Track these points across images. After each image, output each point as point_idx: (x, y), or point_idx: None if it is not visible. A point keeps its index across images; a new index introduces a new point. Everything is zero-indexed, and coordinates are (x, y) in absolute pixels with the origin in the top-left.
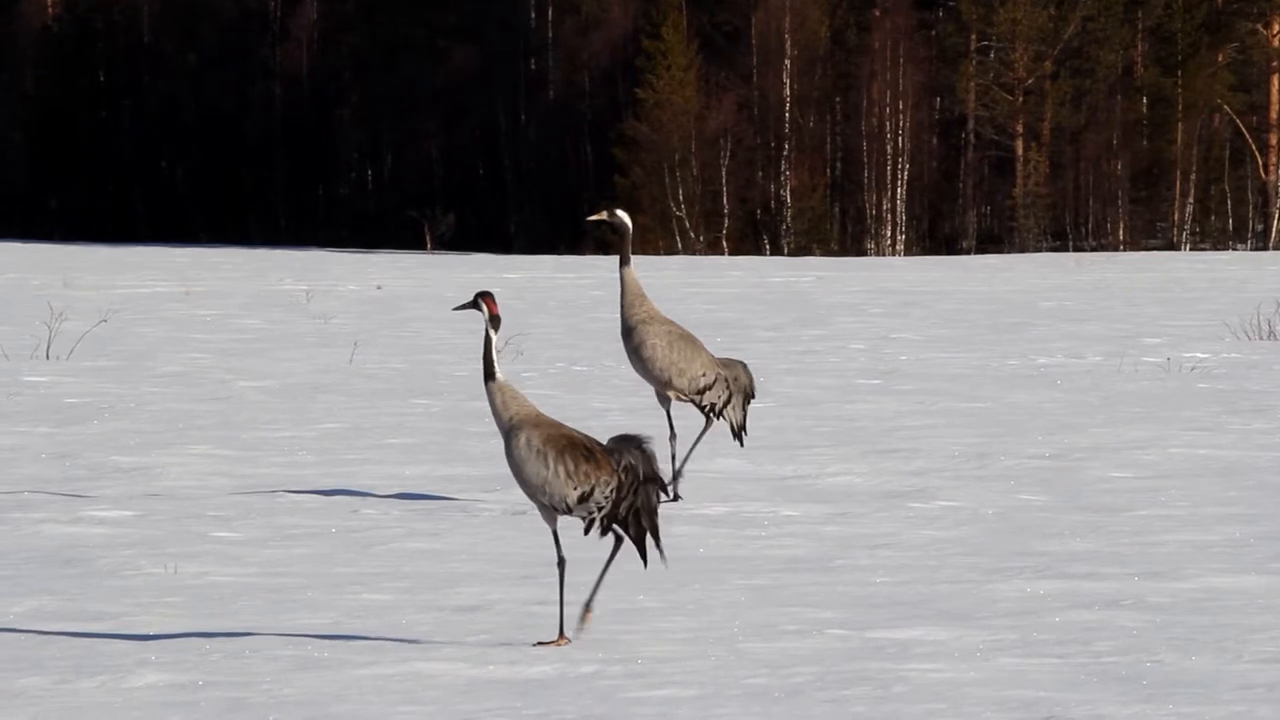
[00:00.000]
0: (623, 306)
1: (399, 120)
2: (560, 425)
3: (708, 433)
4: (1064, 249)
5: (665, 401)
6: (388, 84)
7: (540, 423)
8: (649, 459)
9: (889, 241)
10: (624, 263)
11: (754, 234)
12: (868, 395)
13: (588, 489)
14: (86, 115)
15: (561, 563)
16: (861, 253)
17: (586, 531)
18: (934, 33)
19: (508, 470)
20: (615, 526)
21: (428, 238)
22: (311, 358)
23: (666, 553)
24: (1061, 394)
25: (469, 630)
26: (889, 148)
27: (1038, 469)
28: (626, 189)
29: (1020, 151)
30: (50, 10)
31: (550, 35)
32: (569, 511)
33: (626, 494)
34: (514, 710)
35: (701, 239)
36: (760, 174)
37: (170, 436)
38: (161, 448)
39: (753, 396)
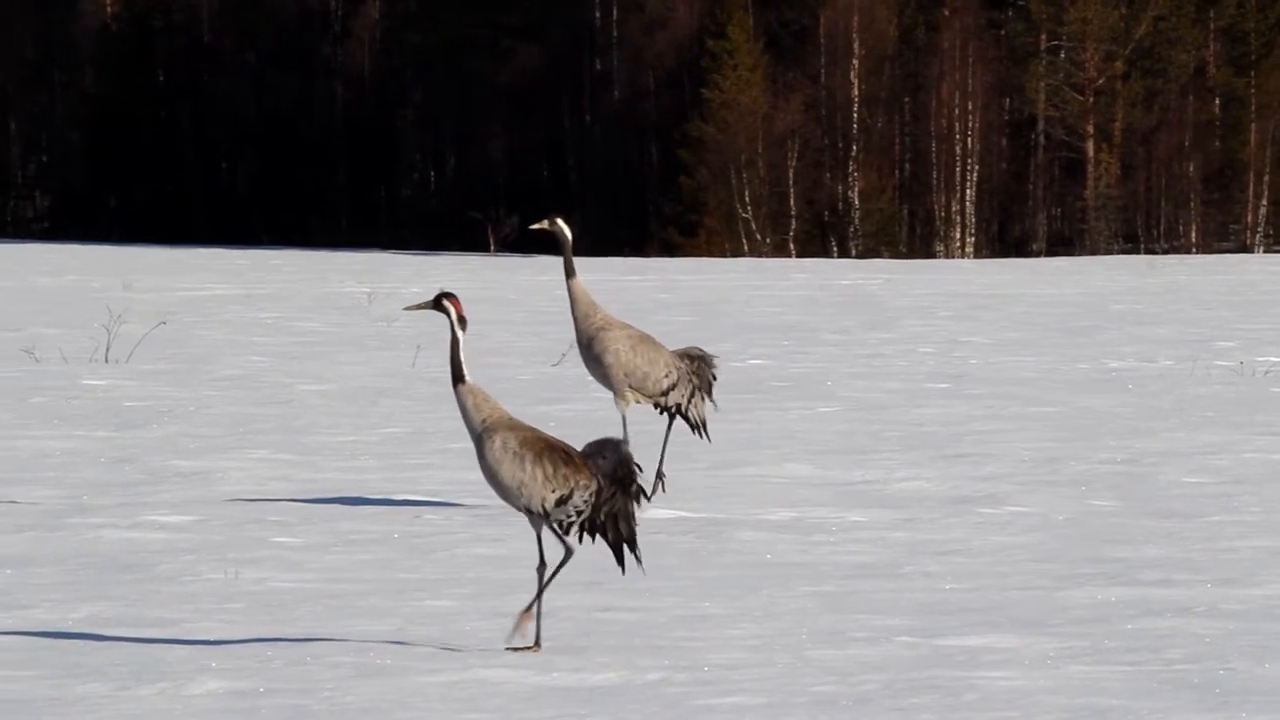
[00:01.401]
0: (576, 319)
1: (462, 120)
2: (535, 429)
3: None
4: (1135, 251)
5: (623, 407)
6: (450, 84)
7: (515, 425)
8: (627, 463)
9: (958, 244)
10: (569, 274)
11: (821, 236)
12: (937, 399)
13: (566, 492)
14: (145, 115)
15: (542, 567)
16: (930, 255)
17: (565, 534)
18: (1003, 32)
19: None
20: (584, 534)
21: (491, 239)
22: (373, 361)
23: (640, 559)
24: (1133, 398)
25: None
26: (958, 149)
27: (1109, 474)
28: (692, 190)
29: (1091, 153)
30: (109, 9)
31: (615, 34)
32: (545, 516)
33: (605, 498)
34: (578, 718)
35: (768, 241)
36: (828, 175)
37: (230, 441)
38: (221, 452)
39: (714, 382)
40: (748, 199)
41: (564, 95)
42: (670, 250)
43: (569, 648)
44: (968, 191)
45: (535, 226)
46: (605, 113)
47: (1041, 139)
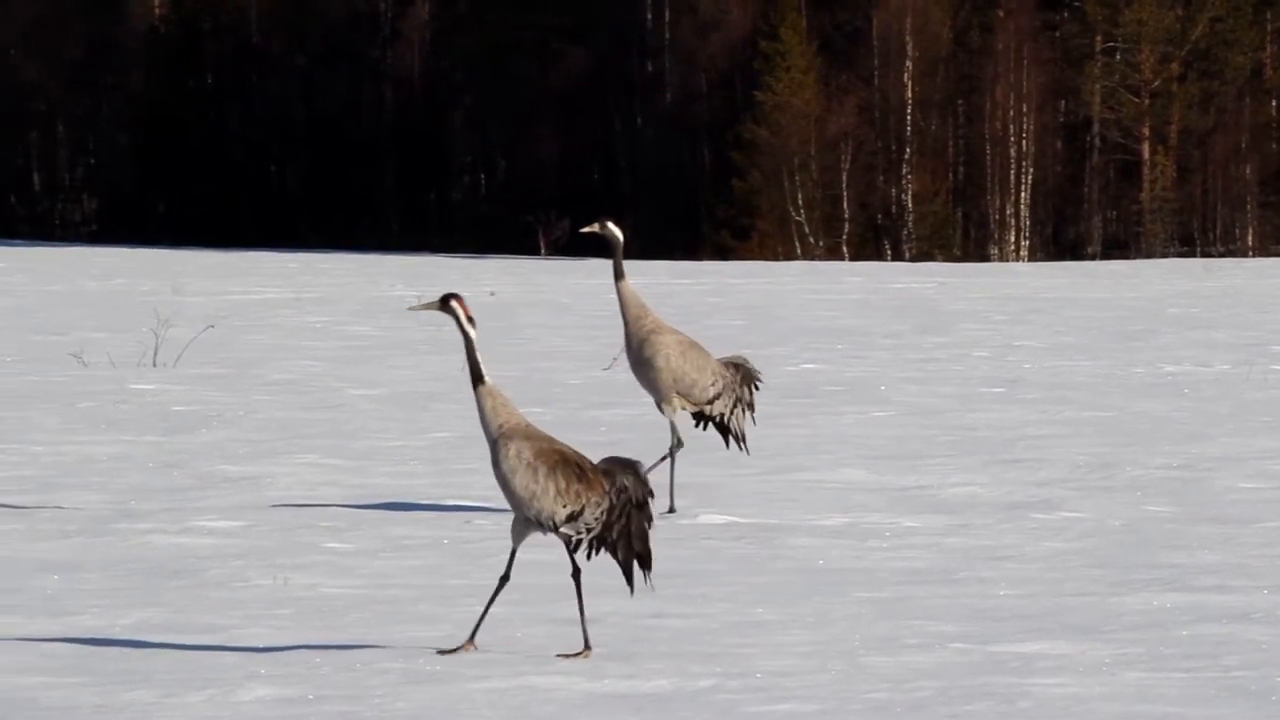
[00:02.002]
0: (626, 322)
1: (512, 123)
2: (551, 439)
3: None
4: (1191, 254)
5: (670, 413)
6: (500, 86)
7: (531, 435)
8: (643, 483)
9: (1012, 247)
10: (619, 276)
11: (875, 239)
12: (991, 404)
13: (578, 509)
14: (194, 118)
15: (504, 580)
16: (984, 258)
17: (574, 552)
18: (1058, 34)
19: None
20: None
21: (542, 243)
22: (423, 365)
23: (647, 579)
24: (1189, 402)
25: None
26: (1013, 151)
27: (1164, 479)
28: (744, 193)
29: (1146, 155)
30: (157, 11)
31: (667, 36)
32: (554, 529)
33: (617, 517)
34: None
35: (821, 244)
36: (881, 178)
37: (279, 445)
38: (270, 457)
39: (757, 389)
40: (801, 202)
41: (615, 98)
42: (723, 254)
43: (619, 654)
44: (1022, 194)
45: (586, 230)
46: (657, 115)
47: (1097, 141)
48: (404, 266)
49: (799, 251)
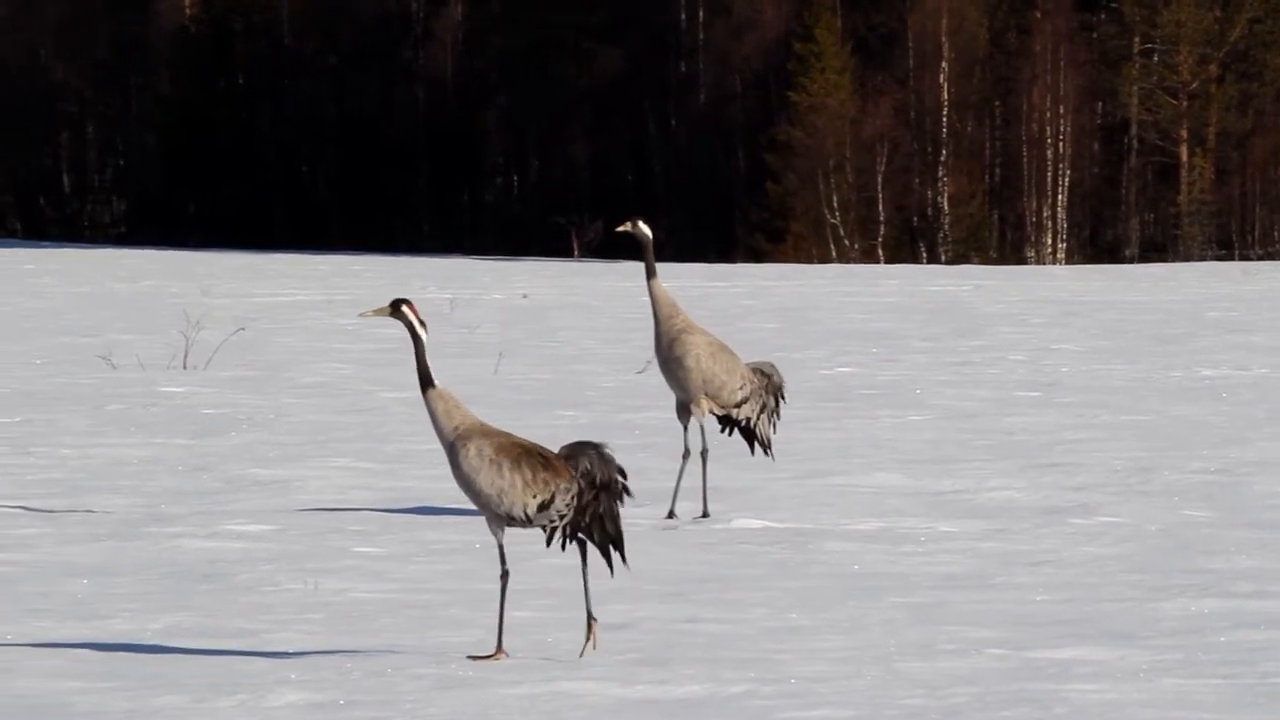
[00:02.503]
0: (658, 320)
1: (545, 124)
2: (509, 434)
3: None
4: (1230, 257)
5: (685, 418)
6: (533, 86)
7: (488, 432)
8: (608, 463)
9: (1049, 249)
10: (650, 275)
11: (910, 242)
12: (1027, 408)
13: (547, 497)
14: (224, 118)
15: (505, 575)
16: (1021, 261)
17: (549, 543)
18: (1096, 35)
19: (656, 485)
20: (579, 536)
21: (575, 245)
22: (455, 368)
23: (614, 571)
24: (1227, 407)
25: (617, 648)
26: (1049, 153)
27: (1202, 484)
28: (779, 195)
29: (1185, 157)
30: (187, 11)
31: (701, 37)
32: (528, 522)
33: (588, 501)
34: None
35: (856, 247)
36: (917, 180)
37: (310, 449)
38: (301, 460)
39: (783, 400)
40: (835, 204)
41: (649, 99)
42: (757, 256)
43: (653, 659)
44: (1059, 196)
45: (619, 229)
46: (691, 116)
47: (1134, 143)
48: (436, 268)
49: (834, 254)
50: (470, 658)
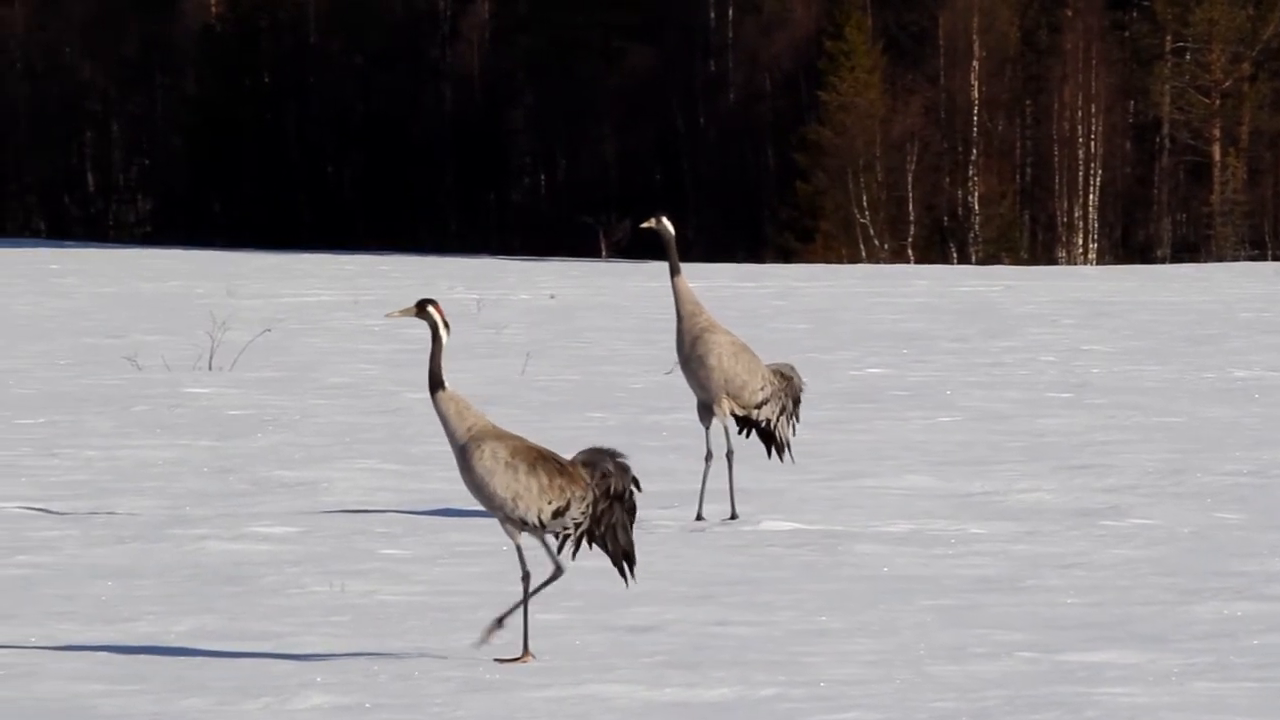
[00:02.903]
0: (681, 317)
1: (573, 123)
2: (523, 438)
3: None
4: (1263, 258)
5: (707, 418)
6: (561, 85)
7: (502, 435)
8: (624, 472)
9: (1081, 250)
10: (674, 272)
11: (941, 242)
12: (1058, 409)
13: (563, 504)
14: (250, 118)
15: (526, 577)
16: (1052, 261)
17: (560, 549)
18: (1127, 34)
19: (684, 486)
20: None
21: (603, 245)
22: (482, 369)
23: (637, 574)
24: (1260, 408)
25: (645, 651)
26: (1081, 153)
27: (1235, 486)
28: (808, 195)
29: (1217, 157)
30: (213, 9)
31: (730, 35)
32: (541, 528)
33: (603, 510)
34: None
35: (886, 247)
36: (947, 180)
37: (336, 450)
38: (327, 462)
39: (799, 402)
40: (865, 204)
41: (677, 97)
42: (786, 256)
43: (682, 662)
44: (1090, 196)
45: (644, 225)
46: (720, 115)
47: (1166, 143)
48: (463, 268)
49: (863, 254)
50: (497, 660)
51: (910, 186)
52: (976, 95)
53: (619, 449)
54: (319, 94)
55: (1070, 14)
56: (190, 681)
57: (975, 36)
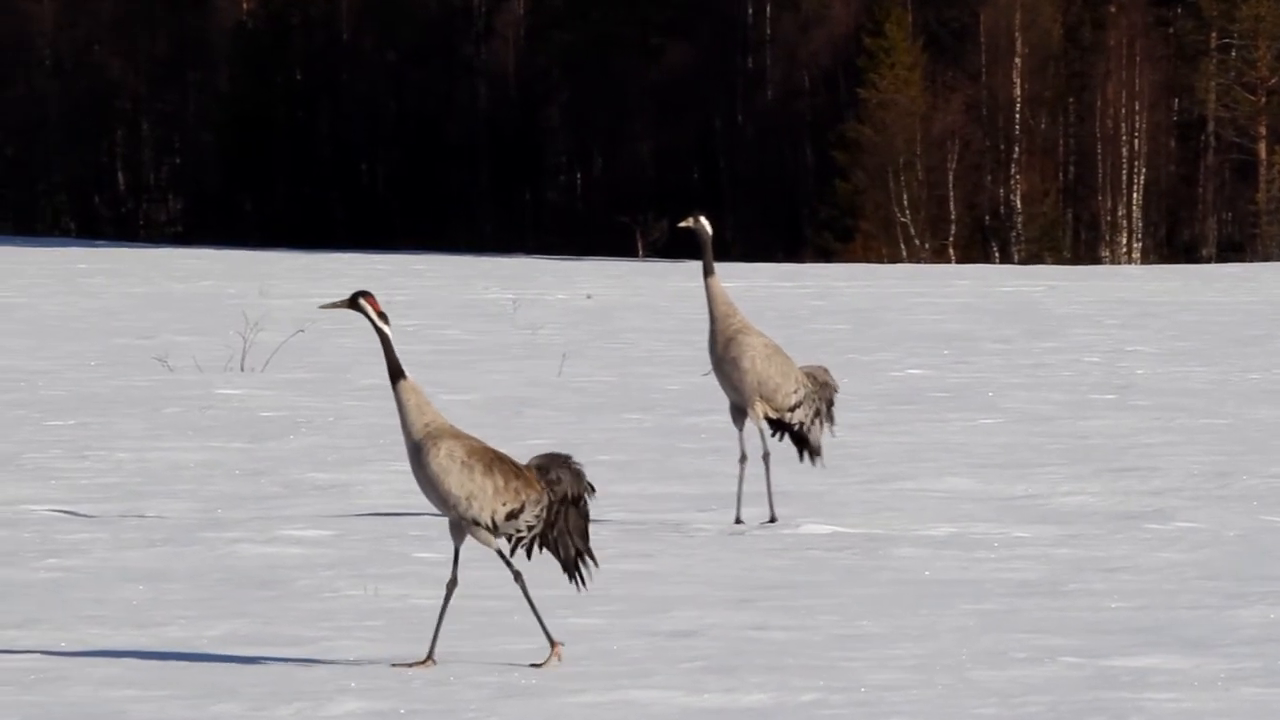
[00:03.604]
0: (715, 318)
1: (610, 121)
2: (479, 439)
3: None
4: None
5: (740, 420)
6: (598, 83)
7: (459, 435)
8: (579, 478)
9: (1125, 249)
10: (708, 272)
11: (982, 241)
12: (1102, 411)
13: (517, 506)
14: (282, 116)
15: (452, 583)
16: (1096, 261)
17: (513, 552)
18: (1172, 30)
19: (722, 489)
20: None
21: (639, 244)
22: (518, 370)
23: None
24: None
25: (683, 656)
26: (1125, 150)
27: None
28: (848, 193)
29: (1263, 154)
30: (244, 6)
31: (768, 32)
32: (494, 530)
33: (557, 515)
34: None
35: (927, 246)
36: (989, 178)
37: (370, 453)
38: (360, 464)
39: (832, 404)
40: (906, 203)
41: (715, 95)
42: (825, 256)
43: (720, 668)
44: (1134, 195)
45: (682, 224)
46: (758, 113)
47: (1211, 140)
48: (498, 268)
49: (904, 254)
50: (533, 665)
51: (951, 185)
52: (1019, 92)
53: (574, 455)
54: (351, 91)
55: (1114, 10)
56: (222, 687)
57: (1017, 33)
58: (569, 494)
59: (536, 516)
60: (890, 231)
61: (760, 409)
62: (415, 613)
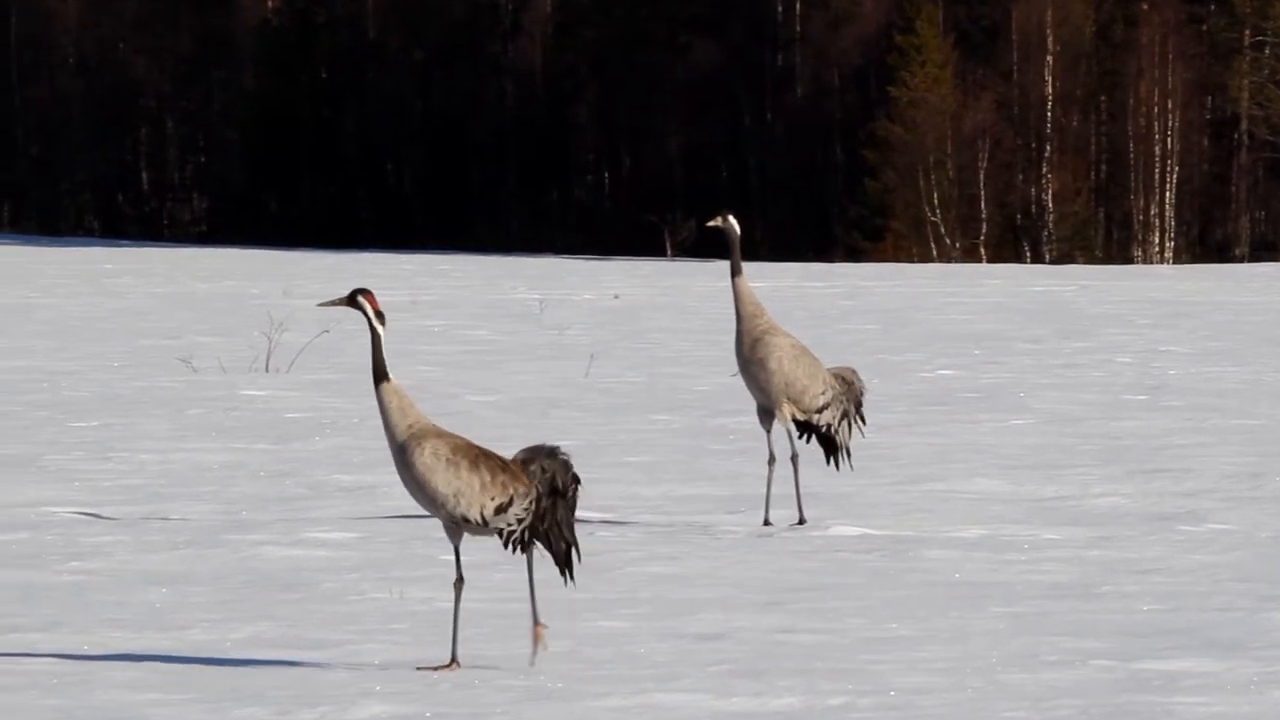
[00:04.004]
0: (741, 319)
1: (637, 119)
2: (462, 436)
3: (791, 473)
4: None
5: (767, 422)
6: (625, 81)
7: (442, 433)
8: (566, 468)
9: (1157, 248)
10: (736, 273)
11: (1013, 240)
12: (1135, 411)
13: (505, 500)
14: (307, 114)
15: (459, 582)
16: (1128, 260)
17: (506, 546)
18: (1205, 27)
19: (751, 491)
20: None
21: (667, 244)
22: (545, 370)
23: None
24: None
25: (711, 659)
26: (1157, 149)
27: None
28: (878, 192)
29: None
30: (269, 3)
31: (798, 29)
32: (484, 525)
33: (545, 507)
34: None
35: (958, 246)
36: (1020, 177)
37: None
38: (386, 466)
39: (860, 405)
40: (936, 202)
41: (744, 93)
42: (855, 255)
43: (748, 670)
44: (1167, 194)
45: (711, 223)
46: (787, 111)
47: (1245, 139)
48: (525, 267)
49: (934, 253)
50: (420, 669)
51: (982, 184)
52: (1050, 90)
53: (561, 446)
54: (377, 90)
55: (1146, 7)
56: (245, 691)
57: (1049, 30)
58: (557, 484)
59: (526, 509)
60: (920, 231)
61: (788, 410)
62: (441, 615)
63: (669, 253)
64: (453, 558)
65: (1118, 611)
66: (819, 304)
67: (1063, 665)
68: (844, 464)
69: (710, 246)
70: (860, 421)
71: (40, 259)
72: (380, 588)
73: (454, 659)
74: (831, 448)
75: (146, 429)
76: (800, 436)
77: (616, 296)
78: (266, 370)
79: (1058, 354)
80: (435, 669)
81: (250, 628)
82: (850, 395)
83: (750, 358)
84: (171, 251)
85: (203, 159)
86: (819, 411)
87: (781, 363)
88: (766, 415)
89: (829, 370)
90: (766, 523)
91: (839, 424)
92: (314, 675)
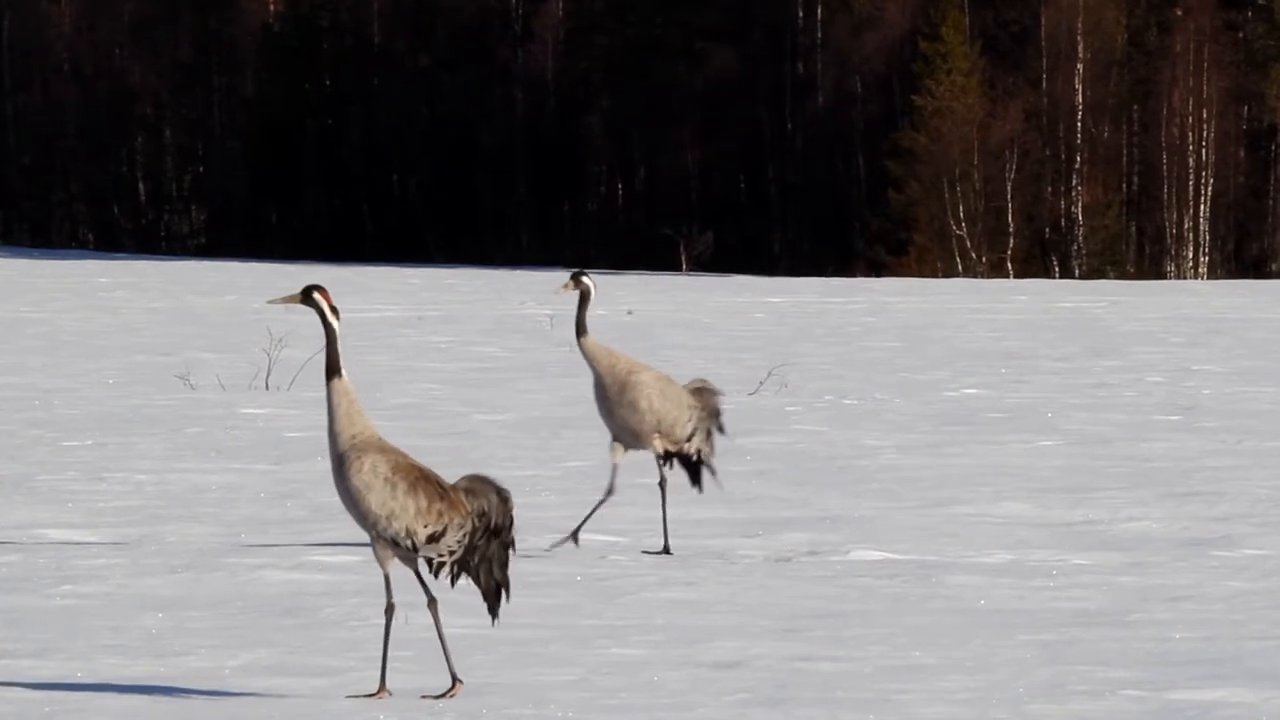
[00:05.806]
0: (599, 373)
1: (652, 129)
2: (406, 455)
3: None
4: None
5: (620, 454)
6: (640, 89)
7: (385, 449)
8: (506, 506)
9: (1191, 263)
10: (581, 333)
11: (1042, 255)
12: (1166, 432)
13: (439, 529)
14: (311, 123)
15: (390, 609)
16: (1160, 275)
17: (435, 575)
18: (1241, 35)
19: (770, 515)
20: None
21: (683, 258)
22: (555, 389)
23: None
24: None
25: (727, 688)
26: (1191, 161)
27: None
28: (901, 204)
29: None
30: (271, 9)
31: (819, 36)
32: (414, 551)
33: (480, 541)
34: None
35: (984, 260)
36: (1049, 189)
37: None
38: None
39: (719, 423)
40: (962, 214)
41: (763, 101)
42: (877, 269)
43: (765, 700)
44: (1201, 207)
45: (562, 288)
46: (808, 120)
47: None
48: (535, 282)
49: (960, 268)
50: (425, 698)
51: (1009, 196)
52: (1080, 99)
53: (501, 481)
54: (383, 97)
55: (1180, 14)
56: (245, 719)
57: (1079, 37)
58: (494, 522)
59: (459, 542)
60: (945, 244)
61: (659, 445)
62: (449, 641)
63: (684, 267)
64: (459, 583)
65: (1149, 640)
66: (839, 320)
67: (1092, 696)
68: (706, 488)
69: (728, 260)
70: (720, 432)
71: (33, 272)
72: (384, 613)
73: (382, 686)
74: (697, 472)
75: (142, 448)
76: (665, 463)
77: (630, 312)
78: (267, 388)
79: (1087, 373)
80: (439, 696)
81: (249, 654)
82: (709, 411)
83: (620, 402)
84: (169, 265)
85: (201, 169)
86: (688, 440)
87: (651, 400)
88: (623, 447)
89: (686, 389)
90: (666, 550)
91: (706, 445)
92: (316, 704)
